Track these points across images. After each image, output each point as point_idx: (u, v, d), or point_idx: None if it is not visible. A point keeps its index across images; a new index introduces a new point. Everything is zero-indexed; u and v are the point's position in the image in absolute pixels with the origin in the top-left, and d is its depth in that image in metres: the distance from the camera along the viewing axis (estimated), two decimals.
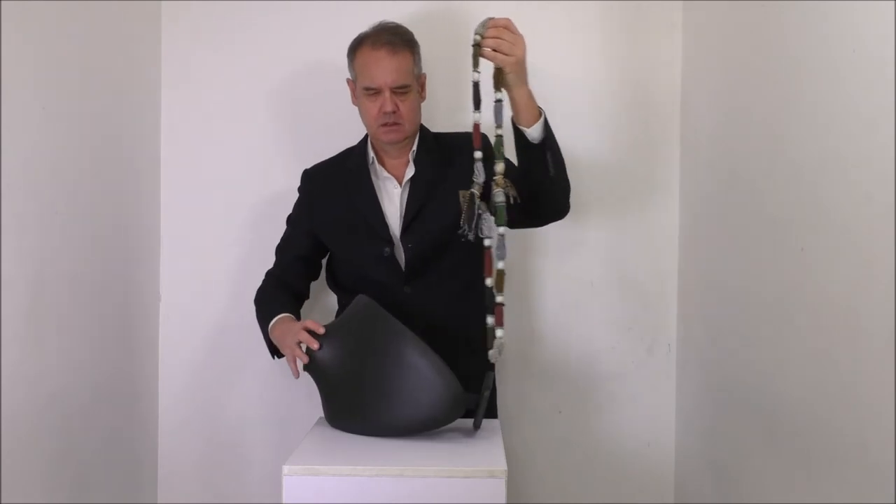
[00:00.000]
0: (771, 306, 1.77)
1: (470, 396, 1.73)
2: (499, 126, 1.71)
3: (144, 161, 2.34)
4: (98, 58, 2.05)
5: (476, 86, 1.72)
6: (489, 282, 1.73)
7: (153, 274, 2.39)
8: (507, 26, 1.69)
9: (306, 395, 1.99)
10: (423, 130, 2.06)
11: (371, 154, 2.03)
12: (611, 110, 2.39)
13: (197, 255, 2.40)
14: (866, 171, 1.40)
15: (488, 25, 1.68)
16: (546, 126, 1.79)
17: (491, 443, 1.70)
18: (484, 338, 2.08)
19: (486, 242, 1.72)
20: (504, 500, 1.51)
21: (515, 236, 2.37)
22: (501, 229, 1.71)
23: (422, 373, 1.69)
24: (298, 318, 1.95)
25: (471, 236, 1.71)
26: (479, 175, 1.72)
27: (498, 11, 2.35)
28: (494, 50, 1.68)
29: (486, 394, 1.76)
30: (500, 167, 1.71)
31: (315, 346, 1.78)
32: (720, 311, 2.10)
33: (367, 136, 2.07)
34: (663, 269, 2.41)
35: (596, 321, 2.41)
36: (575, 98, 2.38)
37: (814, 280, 1.58)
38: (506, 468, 1.53)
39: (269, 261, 2.13)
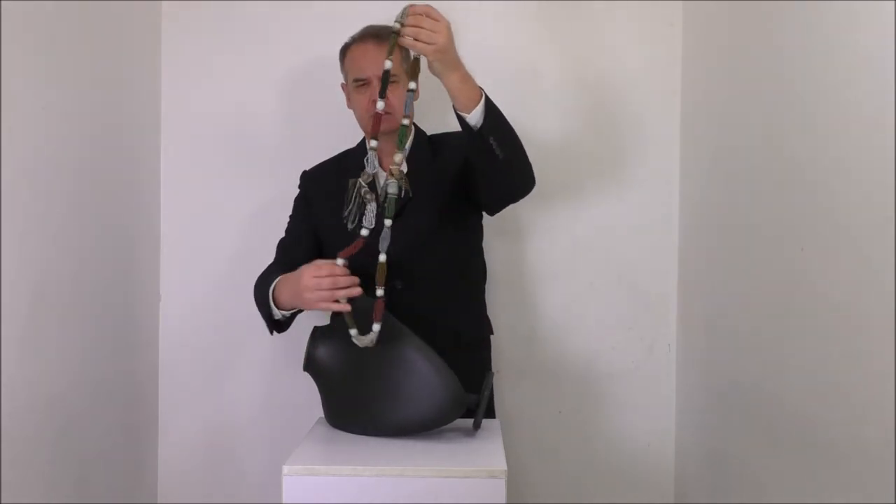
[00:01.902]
0: (771, 306, 1.77)
1: (470, 396, 1.73)
2: (406, 116, 1.71)
3: (144, 161, 2.34)
4: (98, 57, 2.05)
5: (386, 74, 1.71)
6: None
7: (153, 274, 2.39)
8: (426, 13, 1.64)
9: (306, 395, 1.99)
10: (419, 132, 2.07)
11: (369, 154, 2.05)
12: (611, 110, 2.39)
13: (197, 255, 2.40)
14: (866, 171, 1.40)
15: (408, 13, 1.64)
16: (488, 109, 1.74)
17: (491, 443, 1.70)
18: (477, 334, 2.09)
19: (363, 232, 1.71)
20: (504, 500, 1.51)
21: (515, 236, 2.38)
22: (388, 222, 1.70)
23: (422, 373, 1.70)
24: None
25: (350, 226, 1.71)
26: (371, 165, 1.72)
27: (498, 11, 2.37)
28: (414, 39, 1.65)
29: (487, 394, 1.76)
30: (397, 158, 1.70)
31: (357, 292, 1.70)
32: (720, 311, 2.10)
33: (364, 138, 2.08)
34: (663, 269, 2.41)
35: (596, 321, 2.41)
36: (574, 97, 2.38)
37: (814, 280, 1.58)
38: (506, 468, 1.53)
39: (269, 260, 2.12)
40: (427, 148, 2.03)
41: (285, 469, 1.53)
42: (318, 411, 1.87)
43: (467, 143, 1.79)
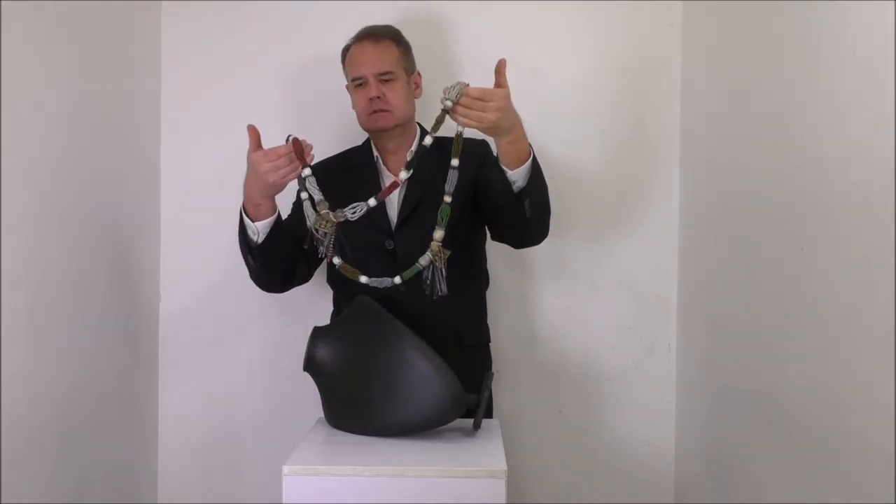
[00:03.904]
0: (771, 306, 1.77)
1: (470, 396, 1.73)
2: (448, 194, 1.73)
3: (144, 161, 2.34)
4: (98, 57, 2.05)
5: (422, 148, 1.73)
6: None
7: (153, 274, 2.39)
8: (480, 97, 1.66)
9: (306, 395, 1.99)
10: (423, 132, 2.08)
11: (375, 153, 2.06)
12: (610, 110, 2.39)
13: (197, 255, 2.40)
14: (866, 171, 1.40)
15: (461, 93, 1.66)
16: (533, 172, 1.78)
17: (491, 443, 1.70)
18: (477, 337, 2.10)
19: (336, 260, 1.80)
20: (504, 500, 1.51)
21: None
22: (398, 279, 1.79)
23: (422, 373, 1.70)
24: (285, 240, 1.90)
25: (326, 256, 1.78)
26: (358, 211, 1.75)
27: (499, 12, 2.37)
28: (463, 116, 1.67)
29: (487, 394, 1.76)
30: (438, 234, 1.74)
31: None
32: (720, 311, 2.10)
33: (369, 137, 2.09)
34: (663, 269, 2.41)
35: (596, 321, 2.41)
36: (574, 98, 2.39)
37: (814, 280, 1.58)
38: (506, 468, 1.53)
39: None
40: (433, 150, 2.03)
41: (285, 469, 1.53)
42: (318, 411, 1.87)
43: (500, 194, 1.82)
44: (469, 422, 1.77)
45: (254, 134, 1.79)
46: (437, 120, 1.69)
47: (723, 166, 2.09)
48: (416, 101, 2.09)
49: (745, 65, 1.96)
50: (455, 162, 1.73)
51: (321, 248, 1.77)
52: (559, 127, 2.38)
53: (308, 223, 1.79)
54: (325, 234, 1.75)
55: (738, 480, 1.97)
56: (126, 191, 2.22)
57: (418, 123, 2.10)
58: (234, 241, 2.40)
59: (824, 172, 1.54)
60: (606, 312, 2.41)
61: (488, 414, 1.97)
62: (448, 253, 1.75)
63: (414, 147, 2.05)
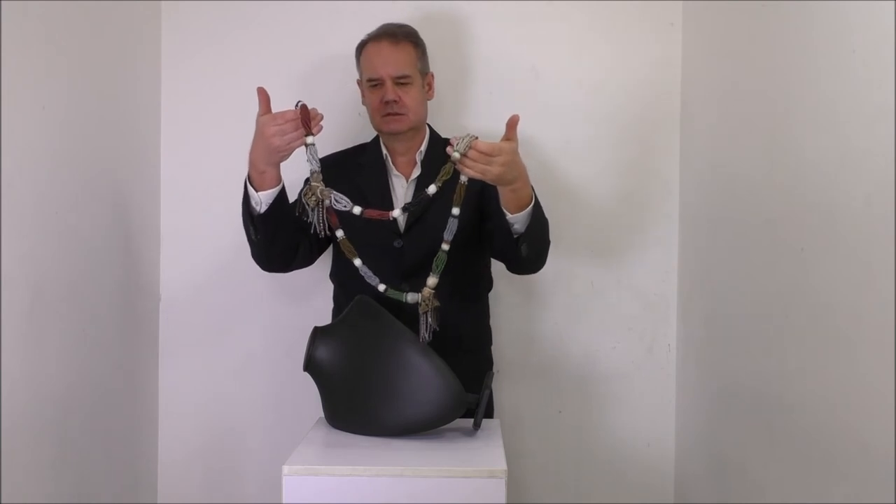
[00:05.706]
0: (771, 306, 1.77)
1: (470, 396, 1.73)
2: (446, 242, 1.77)
3: (144, 161, 2.34)
4: (98, 57, 2.05)
5: (426, 196, 1.76)
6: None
7: (153, 274, 2.39)
8: (487, 153, 1.68)
9: (306, 395, 1.99)
10: (433, 134, 2.08)
11: (384, 152, 2.06)
12: (610, 110, 2.39)
13: (197, 255, 2.40)
14: (866, 172, 1.40)
15: (470, 146, 1.68)
16: (533, 218, 1.81)
17: (491, 443, 1.70)
18: (479, 340, 2.10)
19: (339, 234, 1.83)
20: (504, 500, 1.51)
21: None
22: (381, 287, 1.82)
23: (422, 373, 1.70)
24: (282, 212, 1.87)
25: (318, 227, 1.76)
26: (344, 206, 1.76)
27: (500, 12, 2.37)
28: (468, 168, 1.70)
29: (487, 393, 1.76)
30: (431, 281, 1.78)
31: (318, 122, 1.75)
32: (720, 311, 2.10)
33: (378, 135, 2.09)
34: (663, 269, 2.41)
35: (596, 321, 2.41)
36: (575, 97, 2.39)
37: (814, 280, 1.58)
38: (506, 468, 1.53)
39: None
40: (442, 152, 2.03)
41: (285, 469, 1.53)
42: (318, 411, 1.87)
43: (501, 231, 1.85)
44: (469, 422, 1.77)
45: (264, 97, 1.77)
46: (444, 171, 1.72)
47: (723, 166, 2.09)
48: (427, 102, 2.08)
49: (745, 64, 1.96)
50: (456, 211, 1.75)
51: (309, 220, 1.75)
52: (559, 126, 2.38)
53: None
54: (312, 208, 1.74)
55: (738, 480, 1.97)
56: (126, 190, 2.22)
57: (428, 125, 2.10)
58: (235, 242, 2.41)
59: (824, 172, 1.54)
60: (606, 312, 2.41)
61: (488, 414, 1.97)
62: (437, 304, 1.77)
63: (423, 148, 2.05)
